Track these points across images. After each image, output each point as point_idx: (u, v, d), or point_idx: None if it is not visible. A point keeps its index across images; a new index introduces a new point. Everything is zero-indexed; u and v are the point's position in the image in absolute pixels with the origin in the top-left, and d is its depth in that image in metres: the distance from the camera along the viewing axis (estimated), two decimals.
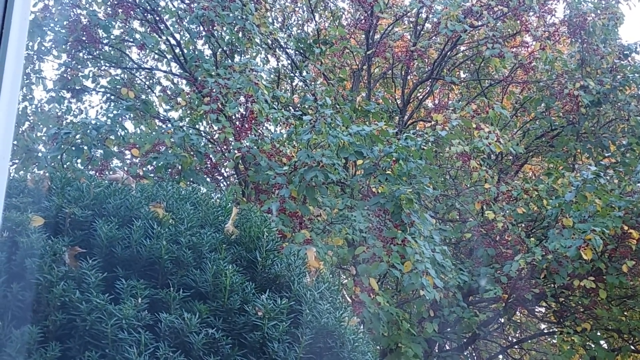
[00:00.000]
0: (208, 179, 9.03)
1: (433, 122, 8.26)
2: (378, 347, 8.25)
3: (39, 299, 2.30)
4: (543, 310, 10.98)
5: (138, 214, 2.77)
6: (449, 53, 10.05)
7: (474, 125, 8.02)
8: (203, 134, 8.64)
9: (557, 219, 7.86)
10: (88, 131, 7.00)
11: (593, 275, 7.95)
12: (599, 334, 9.41)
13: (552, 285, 8.73)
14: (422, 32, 10.14)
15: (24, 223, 2.51)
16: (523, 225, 9.17)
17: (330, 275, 3.60)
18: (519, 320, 11.73)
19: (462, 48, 10.46)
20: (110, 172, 7.89)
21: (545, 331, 11.15)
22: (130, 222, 2.68)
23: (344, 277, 9.56)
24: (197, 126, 8.94)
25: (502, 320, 10.41)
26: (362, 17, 10.02)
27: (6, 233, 2.44)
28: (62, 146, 6.98)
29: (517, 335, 12.21)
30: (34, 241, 2.44)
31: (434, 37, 10.07)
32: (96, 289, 2.37)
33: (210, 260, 2.70)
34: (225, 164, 9.11)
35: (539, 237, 9.01)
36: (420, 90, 10.93)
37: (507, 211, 8.46)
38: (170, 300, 2.49)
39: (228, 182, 9.79)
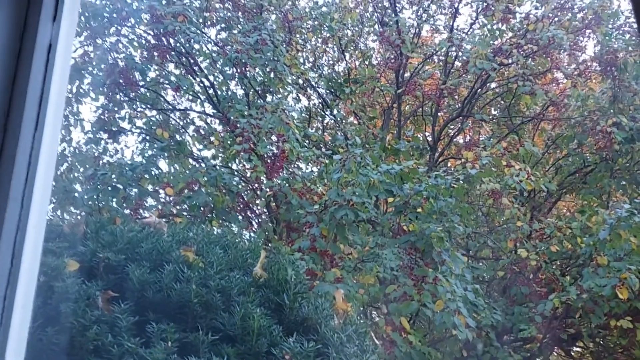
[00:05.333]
0: (240, 217, 9.14)
1: (463, 160, 8.28)
2: None
3: (73, 343, 2.38)
4: (580, 350, 10.73)
5: (169, 257, 2.85)
6: (479, 90, 10.09)
7: (505, 163, 8.01)
8: (235, 173, 8.77)
9: (591, 257, 7.74)
10: (124, 171, 7.19)
11: (630, 314, 7.77)
12: None
13: (588, 325, 8.55)
14: (451, 70, 10.21)
15: (59, 268, 2.61)
16: (557, 263, 9.04)
17: (359, 317, 3.62)
18: None
19: (493, 85, 10.49)
20: (145, 212, 8.05)
21: None
22: (161, 266, 2.76)
23: (376, 315, 9.51)
24: (229, 165, 9.09)
25: None
26: (392, 57, 10.14)
27: (42, 278, 2.54)
28: (99, 186, 7.17)
29: None
30: (69, 285, 2.53)
31: (463, 75, 10.13)
32: (128, 332, 2.45)
33: (239, 303, 2.76)
34: (257, 202, 9.22)
35: (574, 275, 8.86)
36: (451, 127, 10.96)
37: (541, 249, 8.36)
38: (199, 343, 2.55)
39: (260, 220, 9.88)
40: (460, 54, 9.66)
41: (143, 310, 2.59)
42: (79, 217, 7.74)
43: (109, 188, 6.88)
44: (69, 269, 2.67)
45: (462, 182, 7.59)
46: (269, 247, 7.65)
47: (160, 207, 8.19)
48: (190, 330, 2.61)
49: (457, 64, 10.22)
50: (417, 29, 10.41)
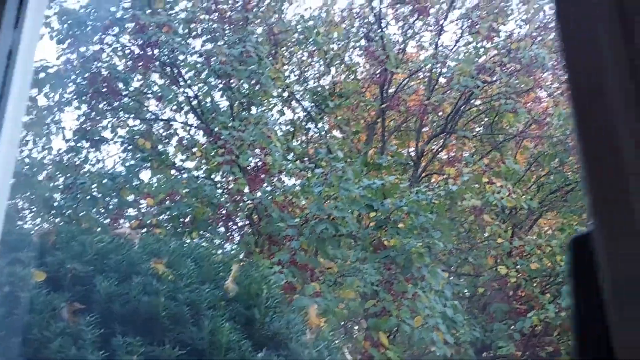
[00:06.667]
0: (222, 229, 9.09)
1: (445, 176, 8.31)
2: None
3: (36, 355, 2.34)
4: None
5: (139, 269, 2.82)
6: (462, 107, 10.13)
7: (486, 180, 8.04)
8: (218, 185, 8.73)
9: None
10: (104, 181, 7.13)
11: None
12: None
13: (567, 343, 8.56)
14: (436, 87, 10.26)
15: (26, 278, 2.57)
16: (537, 281, 9.06)
17: (338, 332, 3.59)
18: None
19: (477, 102, 10.54)
20: (126, 222, 7.99)
21: None
22: (130, 277, 2.73)
23: (356, 330, 9.47)
24: (212, 176, 9.05)
25: None
26: (377, 72, 10.17)
27: (8, 288, 2.50)
28: (79, 195, 7.11)
29: None
30: (34, 296, 2.49)
31: (448, 92, 10.17)
32: (92, 345, 2.41)
33: (208, 317, 2.73)
34: (238, 215, 9.17)
35: (553, 293, 8.88)
36: (435, 143, 10.99)
37: (521, 266, 8.38)
38: (165, 358, 2.52)
39: (242, 232, 9.83)
40: (444, 70, 9.71)
41: (109, 322, 2.56)
42: (55, 226, 7.65)
43: (88, 197, 6.82)
44: (35, 280, 2.63)
45: (443, 198, 7.61)
46: (245, 260, 7.62)
47: (140, 217, 8.12)
48: (157, 344, 2.58)
49: (442, 80, 10.27)
50: (403, 45, 10.47)
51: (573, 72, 0.58)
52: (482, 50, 9.88)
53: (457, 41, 10.32)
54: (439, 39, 10.28)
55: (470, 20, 9.57)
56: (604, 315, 0.50)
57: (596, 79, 0.55)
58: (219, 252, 8.23)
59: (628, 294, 0.49)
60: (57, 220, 7.82)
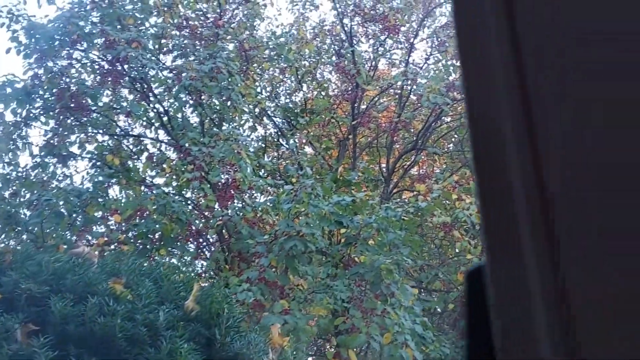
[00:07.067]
0: (192, 246, 9.02)
1: (416, 192, 8.36)
2: None
3: None
4: None
5: (95, 290, 2.78)
6: (433, 124, 10.23)
7: (455, 196, 8.10)
8: (189, 202, 8.67)
9: None
10: (70, 198, 7.05)
11: None
12: None
13: None
14: (406, 104, 10.35)
15: None
16: None
17: (295, 352, 3.58)
18: None
19: (448, 119, 10.65)
20: (93, 239, 7.88)
21: None
22: (86, 298, 2.69)
23: (327, 348, 9.43)
24: (182, 193, 8.99)
25: None
26: (349, 88, 10.23)
27: None
28: (45, 212, 7.01)
29: None
30: None
31: (419, 109, 10.26)
32: None
33: (166, 338, 2.70)
34: (208, 231, 9.11)
35: None
36: (406, 159, 11.07)
37: None
38: None
39: (213, 249, 9.76)
40: (415, 87, 9.81)
41: (64, 344, 2.51)
42: (13, 245, 7.51)
43: (54, 214, 6.72)
44: None
45: (412, 214, 7.64)
46: (215, 278, 7.56)
47: (107, 234, 8.02)
48: None
49: (412, 97, 10.36)
50: (374, 62, 10.55)
51: (471, 106, 0.59)
52: (451, 68, 9.99)
53: (427, 59, 10.45)
54: (409, 56, 10.40)
55: (439, 39, 9.69)
56: (493, 350, 0.51)
57: (492, 116, 0.56)
58: (189, 269, 8.17)
59: (513, 331, 0.49)
60: (23, 237, 7.69)
